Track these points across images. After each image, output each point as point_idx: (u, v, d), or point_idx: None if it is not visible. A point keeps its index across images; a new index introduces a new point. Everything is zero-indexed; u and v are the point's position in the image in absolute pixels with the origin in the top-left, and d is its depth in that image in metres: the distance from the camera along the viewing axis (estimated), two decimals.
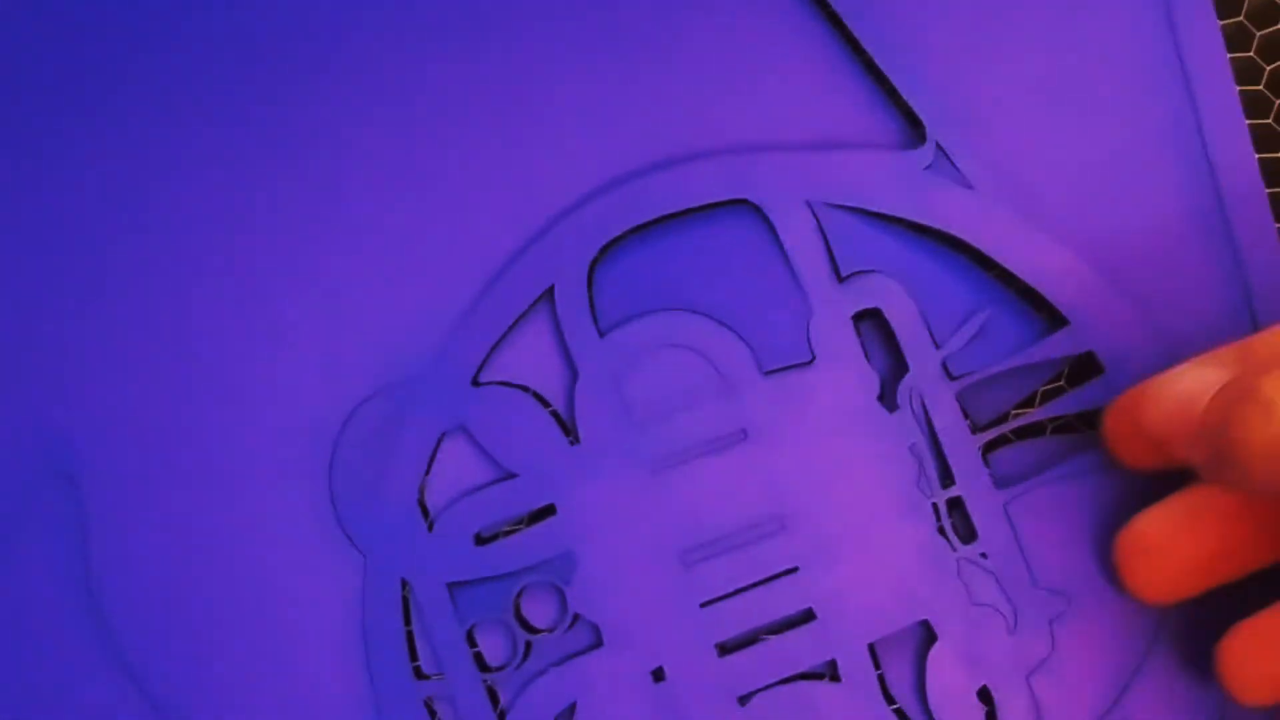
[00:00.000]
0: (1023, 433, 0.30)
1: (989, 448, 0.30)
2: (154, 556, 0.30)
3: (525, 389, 0.30)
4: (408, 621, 0.30)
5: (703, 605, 0.29)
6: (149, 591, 0.30)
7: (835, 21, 0.30)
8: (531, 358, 0.30)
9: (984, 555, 0.29)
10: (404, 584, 0.30)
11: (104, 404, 0.30)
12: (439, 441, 0.30)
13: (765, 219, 0.30)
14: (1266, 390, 0.22)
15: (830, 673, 0.30)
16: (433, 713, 0.30)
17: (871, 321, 0.30)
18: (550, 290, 0.29)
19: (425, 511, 0.30)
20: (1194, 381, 0.26)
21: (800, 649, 0.29)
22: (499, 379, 0.30)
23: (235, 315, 0.30)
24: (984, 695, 0.29)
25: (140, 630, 0.30)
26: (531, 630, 0.30)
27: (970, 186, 0.29)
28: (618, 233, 0.29)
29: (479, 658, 0.30)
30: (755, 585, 0.29)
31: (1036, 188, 0.30)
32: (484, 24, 0.30)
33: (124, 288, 0.30)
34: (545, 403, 0.30)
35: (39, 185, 0.30)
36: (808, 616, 0.30)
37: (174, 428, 0.30)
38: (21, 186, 0.30)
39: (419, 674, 0.30)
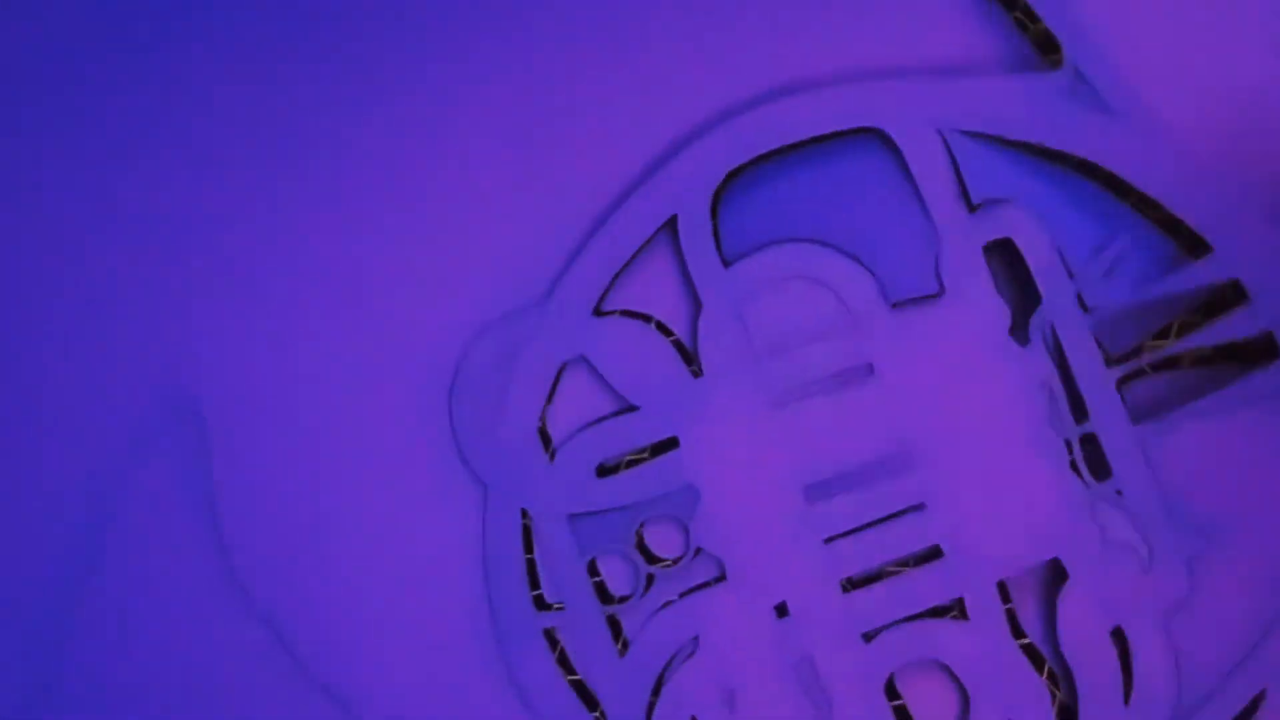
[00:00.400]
0: (1159, 366, 0.29)
1: (1124, 382, 0.29)
2: (276, 486, 0.30)
3: (647, 319, 0.30)
4: (529, 552, 0.30)
5: (827, 541, 0.29)
6: (270, 521, 0.30)
7: None
8: (654, 288, 0.30)
9: (1119, 492, 0.28)
10: (524, 515, 0.30)
11: (228, 337, 0.30)
12: (560, 372, 0.30)
13: (894, 147, 0.29)
14: None
15: (958, 610, 0.29)
16: (554, 643, 0.30)
17: (1003, 252, 0.29)
18: (673, 219, 0.29)
19: (547, 442, 0.30)
20: None
21: (927, 586, 0.29)
22: (621, 309, 0.30)
23: (356, 247, 0.30)
24: (1117, 636, 0.29)
25: (261, 559, 0.30)
26: (653, 561, 0.30)
27: (1109, 111, 0.28)
28: (742, 161, 0.29)
29: (601, 589, 0.30)
30: (880, 521, 0.29)
31: (1178, 112, 0.28)
32: None
33: (246, 222, 0.30)
34: (668, 333, 0.29)
35: (160, 118, 0.30)
36: (934, 553, 0.29)
37: (296, 359, 0.30)
38: (148, 119, 0.30)
39: (540, 604, 0.30)
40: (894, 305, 0.29)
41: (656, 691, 0.30)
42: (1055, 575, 0.29)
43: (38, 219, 0.31)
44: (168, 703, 0.30)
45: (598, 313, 0.30)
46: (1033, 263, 0.28)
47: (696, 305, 0.29)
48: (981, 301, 0.29)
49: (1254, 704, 0.29)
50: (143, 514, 0.30)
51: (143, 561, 0.30)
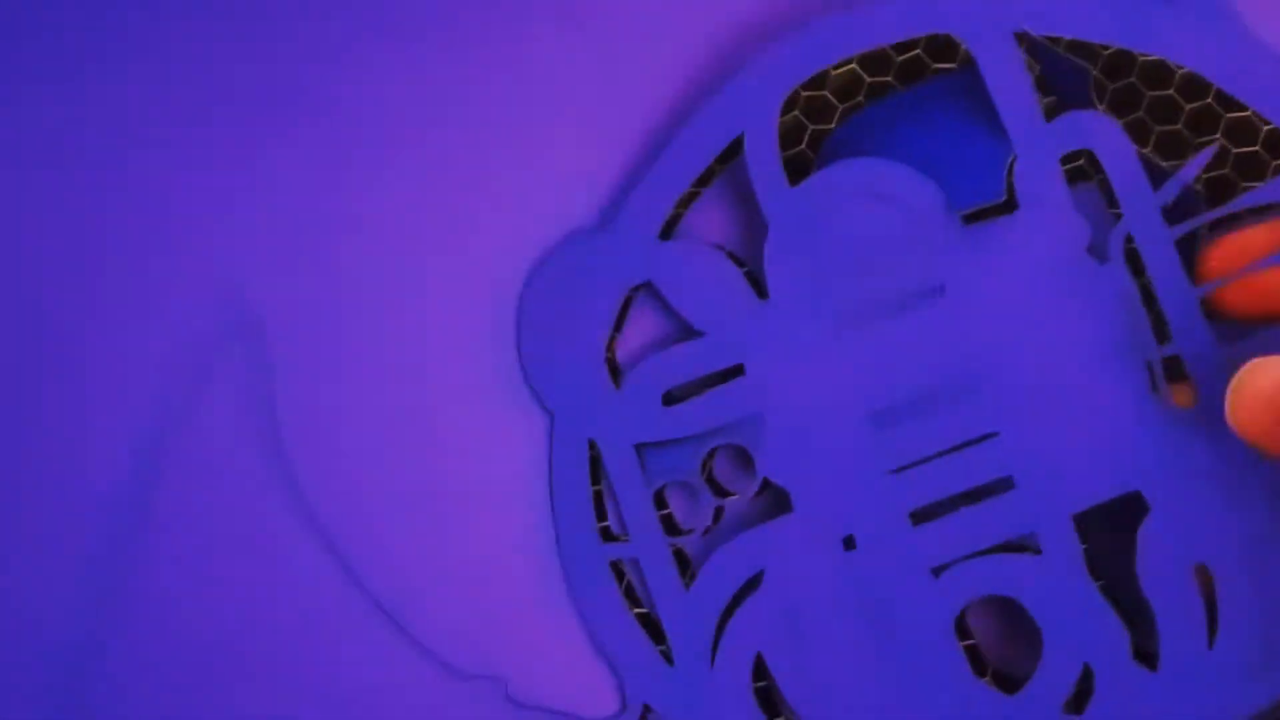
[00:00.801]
0: None
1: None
2: (339, 409, 0.31)
3: (714, 245, 0.29)
4: (595, 482, 0.30)
5: (895, 471, 0.28)
6: (335, 447, 0.31)
7: None
8: (721, 210, 0.29)
9: (1204, 419, 0.27)
10: (591, 445, 0.29)
11: (291, 257, 0.31)
12: (627, 298, 0.30)
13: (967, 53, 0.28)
14: None
15: (1031, 546, 0.28)
16: (620, 574, 0.30)
17: (1082, 163, 0.28)
18: (740, 137, 0.28)
19: (615, 372, 0.29)
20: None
21: (999, 519, 0.28)
22: (687, 233, 0.29)
23: (418, 169, 0.31)
24: (1201, 572, 0.27)
25: (326, 486, 0.31)
26: (721, 493, 0.29)
27: (1194, 13, 0.27)
28: (809, 74, 0.28)
29: (668, 521, 0.29)
30: (951, 450, 0.28)
31: (1266, 10, 0.27)
32: None
33: (307, 146, 0.31)
34: (735, 259, 0.29)
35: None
36: (1006, 485, 0.28)
37: (360, 282, 0.31)
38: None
39: (606, 535, 0.30)
40: (966, 221, 0.28)
41: (722, 626, 0.29)
42: (1137, 507, 0.27)
43: (91, 136, 0.31)
44: (227, 629, 0.31)
45: (663, 237, 0.29)
46: (1113, 173, 0.27)
47: (764, 227, 0.28)
48: (1058, 215, 0.27)
49: None
50: (205, 438, 0.31)
51: (205, 487, 0.31)
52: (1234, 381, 0.24)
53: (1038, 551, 0.28)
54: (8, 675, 0.31)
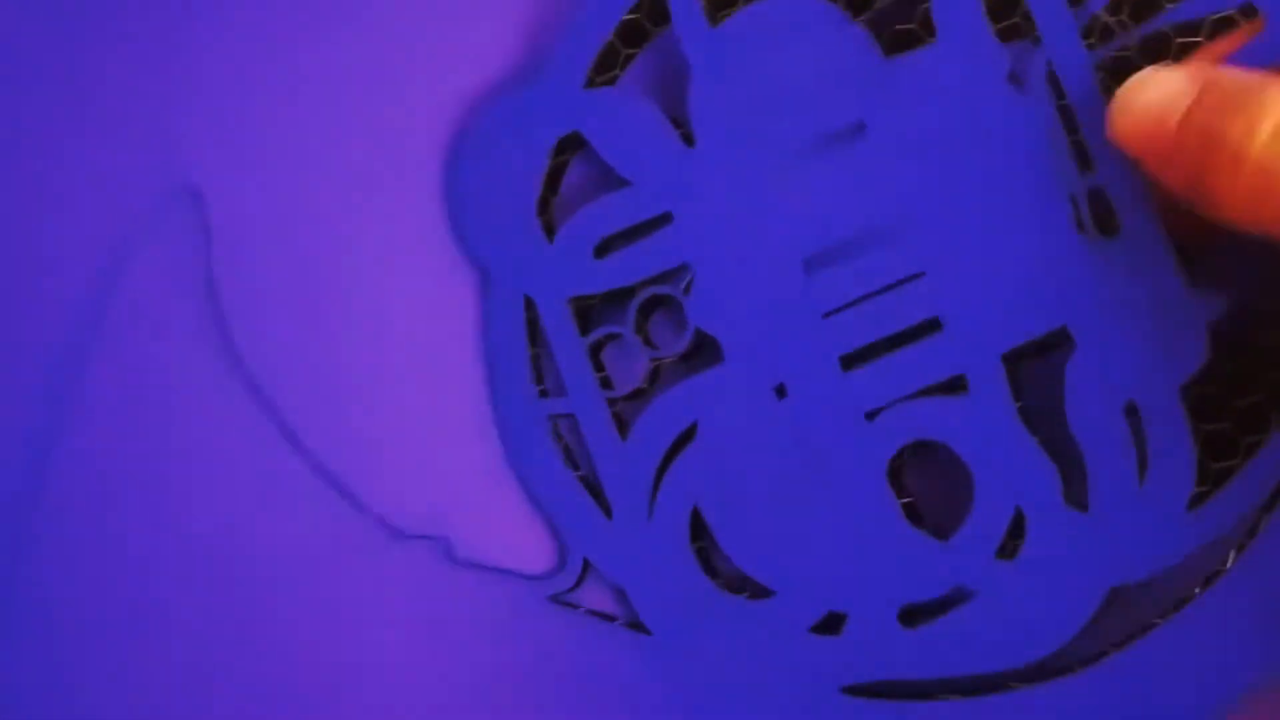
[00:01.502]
0: None
1: None
2: (274, 274, 0.31)
3: (642, 94, 0.29)
4: (534, 346, 0.30)
5: (825, 315, 0.28)
6: (268, 309, 0.31)
7: None
8: (643, 56, 0.29)
9: (1129, 252, 0.26)
10: (529, 305, 0.29)
11: (229, 121, 0.31)
12: (564, 162, 0.29)
13: None
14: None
15: (963, 389, 0.28)
16: (557, 434, 0.30)
17: None
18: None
19: (545, 227, 0.29)
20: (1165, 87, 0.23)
21: (928, 361, 0.28)
22: (610, 80, 0.29)
23: (347, 31, 0.30)
24: (1130, 411, 0.27)
25: (259, 348, 0.31)
26: (654, 348, 0.29)
27: None
28: None
29: (606, 383, 0.29)
30: (880, 292, 0.28)
31: None
32: None
33: (240, 9, 0.31)
34: (662, 106, 0.29)
35: None
36: (934, 326, 0.27)
37: (291, 146, 0.31)
38: None
39: (543, 394, 0.30)
40: (886, 57, 0.27)
41: (659, 480, 0.29)
42: (1064, 345, 0.27)
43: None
44: (165, 488, 0.31)
45: (587, 86, 0.29)
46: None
47: (688, 70, 0.28)
48: (976, 44, 0.27)
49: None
50: (142, 297, 0.31)
51: (139, 350, 0.31)
52: (1118, 92, 0.24)
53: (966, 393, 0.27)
54: None
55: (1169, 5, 0.26)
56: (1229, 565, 0.27)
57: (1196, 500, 0.27)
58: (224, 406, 0.31)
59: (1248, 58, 0.25)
